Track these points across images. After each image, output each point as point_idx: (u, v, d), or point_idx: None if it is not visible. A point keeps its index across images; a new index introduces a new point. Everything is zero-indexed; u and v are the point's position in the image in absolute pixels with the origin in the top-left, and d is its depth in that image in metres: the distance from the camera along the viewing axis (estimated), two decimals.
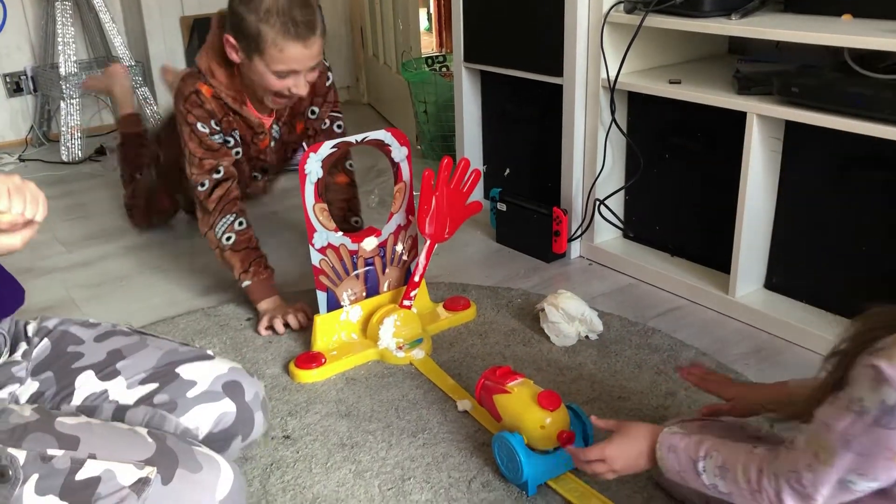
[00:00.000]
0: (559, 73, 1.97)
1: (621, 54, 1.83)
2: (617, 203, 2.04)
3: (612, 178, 2.01)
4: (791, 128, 1.62)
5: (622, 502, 1.22)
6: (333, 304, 1.67)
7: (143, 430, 1.03)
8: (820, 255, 1.67)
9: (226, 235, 1.81)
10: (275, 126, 1.92)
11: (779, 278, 1.77)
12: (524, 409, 1.25)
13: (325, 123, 1.95)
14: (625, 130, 1.94)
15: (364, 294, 1.71)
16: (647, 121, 1.93)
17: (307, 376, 1.59)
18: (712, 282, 1.83)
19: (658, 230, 2.01)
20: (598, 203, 2.00)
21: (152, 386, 1.15)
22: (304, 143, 2.03)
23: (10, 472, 0.90)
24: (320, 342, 1.66)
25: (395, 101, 3.34)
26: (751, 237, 1.73)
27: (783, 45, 1.83)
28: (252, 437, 1.21)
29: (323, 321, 1.66)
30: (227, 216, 1.81)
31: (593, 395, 1.50)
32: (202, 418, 1.14)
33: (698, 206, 1.89)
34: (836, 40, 1.46)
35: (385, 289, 1.74)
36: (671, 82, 1.79)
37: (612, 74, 1.85)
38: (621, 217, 2.05)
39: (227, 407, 1.16)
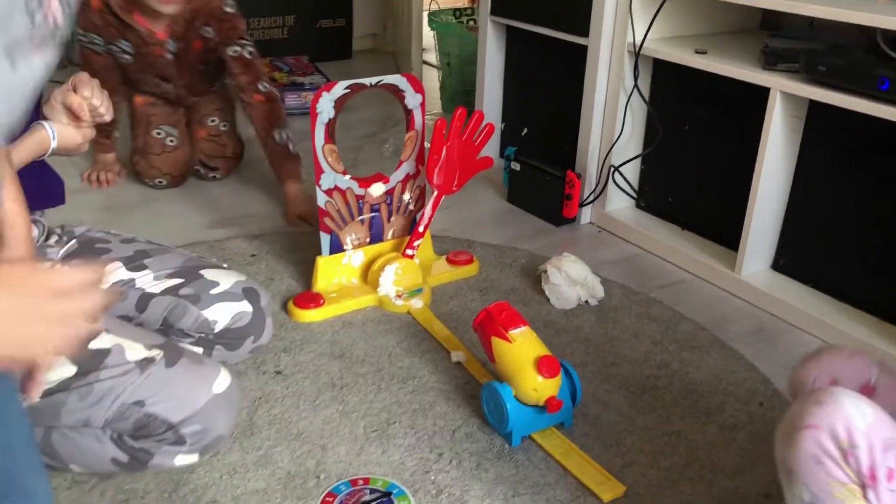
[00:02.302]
0: (585, 32, 1.93)
1: (649, 18, 1.79)
2: (632, 171, 2.02)
3: (630, 145, 1.98)
4: (814, 108, 1.59)
5: (604, 465, 1.22)
6: (336, 247, 1.67)
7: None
8: (831, 240, 1.65)
9: None
10: (170, 41, 2.02)
11: (787, 260, 1.75)
12: (521, 367, 1.24)
13: (234, 50, 2.03)
14: (646, 98, 1.91)
15: (367, 240, 1.71)
16: (669, 89, 1.89)
17: (305, 315, 1.59)
18: (719, 258, 1.82)
19: (670, 202, 1.98)
20: (612, 170, 1.98)
21: (178, 280, 1.26)
22: (217, 67, 2.15)
23: None
24: (321, 283, 1.66)
25: (410, 54, 3.32)
26: (762, 216, 1.70)
27: (817, 23, 1.78)
28: (262, 340, 1.33)
29: (325, 263, 1.66)
30: None
31: (586, 359, 1.50)
32: (221, 314, 1.26)
33: (713, 181, 1.86)
34: (869, 20, 1.42)
35: (389, 236, 1.74)
36: (697, 52, 1.75)
37: (639, 39, 1.82)
38: (635, 186, 2.03)
39: (245, 307, 1.28)
